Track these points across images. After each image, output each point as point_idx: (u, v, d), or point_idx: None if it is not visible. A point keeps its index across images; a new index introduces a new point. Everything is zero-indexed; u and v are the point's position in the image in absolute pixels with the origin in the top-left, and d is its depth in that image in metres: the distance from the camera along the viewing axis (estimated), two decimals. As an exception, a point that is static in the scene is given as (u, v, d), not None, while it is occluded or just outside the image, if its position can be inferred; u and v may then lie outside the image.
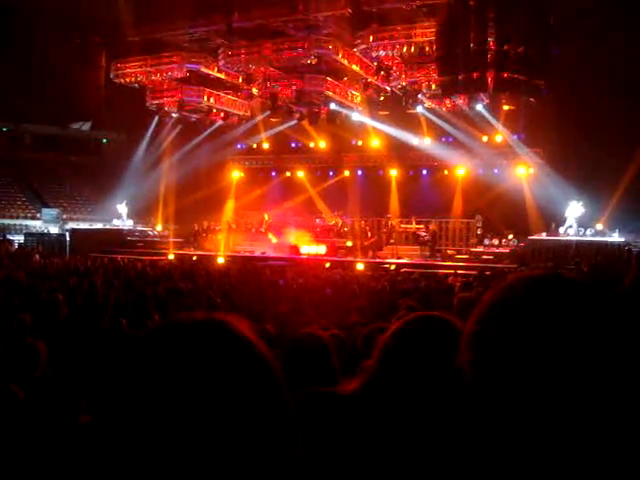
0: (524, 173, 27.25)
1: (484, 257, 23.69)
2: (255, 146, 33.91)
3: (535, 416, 0.93)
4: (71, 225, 32.32)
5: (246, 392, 0.90)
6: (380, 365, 1.90)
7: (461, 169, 28.80)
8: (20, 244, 28.63)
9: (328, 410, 1.93)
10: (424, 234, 25.36)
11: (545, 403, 0.92)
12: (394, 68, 24.30)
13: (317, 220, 29.32)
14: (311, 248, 26.28)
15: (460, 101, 25.22)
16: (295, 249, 26.31)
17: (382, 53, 23.03)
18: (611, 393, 0.91)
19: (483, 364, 0.99)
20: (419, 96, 25.57)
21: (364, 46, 22.89)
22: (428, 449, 1.63)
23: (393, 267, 21.40)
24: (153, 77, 27.51)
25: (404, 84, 25.19)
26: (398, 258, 23.88)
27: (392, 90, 25.90)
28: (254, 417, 0.89)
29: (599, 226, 23.03)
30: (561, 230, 22.94)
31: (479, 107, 25.34)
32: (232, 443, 0.87)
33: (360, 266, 21.23)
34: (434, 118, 27.63)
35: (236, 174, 34.36)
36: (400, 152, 30.30)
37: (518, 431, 0.94)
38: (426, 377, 1.80)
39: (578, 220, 22.87)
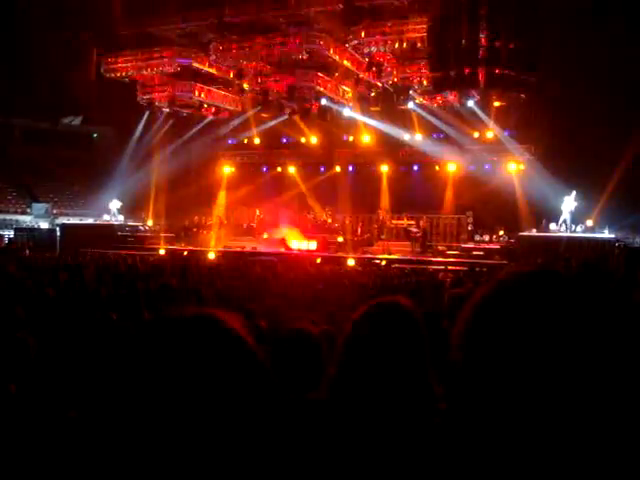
0: (515, 169, 27.27)
1: (475, 253, 23.68)
2: (246, 141, 33.76)
3: (527, 412, 0.93)
4: (61, 220, 32.20)
5: (235, 386, 0.91)
6: (339, 369, 1.95)
7: (452, 165, 28.78)
8: (10, 239, 28.51)
9: (297, 416, 1.95)
10: (415, 230, 25.39)
11: (537, 398, 0.93)
12: (386, 64, 24.30)
13: (308, 216, 29.32)
14: (302, 244, 26.25)
15: (451, 97, 25.26)
16: (286, 244, 26.29)
17: (374, 49, 23.01)
18: (604, 389, 0.92)
19: (475, 360, 0.99)
20: (410, 92, 25.60)
21: (356, 42, 22.88)
22: (391, 449, 1.66)
23: (384, 263, 21.43)
24: (144, 72, 27.48)
25: (395, 80, 25.20)
26: (389, 254, 23.90)
27: (383, 86, 25.90)
28: (242, 410, 0.90)
29: (589, 222, 23.10)
30: (551, 226, 23.01)
31: (470, 103, 25.35)
32: (221, 436, 0.88)
33: (351, 262, 21.24)
34: (425, 114, 27.65)
35: (227, 169, 34.24)
36: (391, 148, 30.29)
37: (509, 427, 0.94)
38: (383, 374, 1.84)
39: (572, 215, 22.90)
